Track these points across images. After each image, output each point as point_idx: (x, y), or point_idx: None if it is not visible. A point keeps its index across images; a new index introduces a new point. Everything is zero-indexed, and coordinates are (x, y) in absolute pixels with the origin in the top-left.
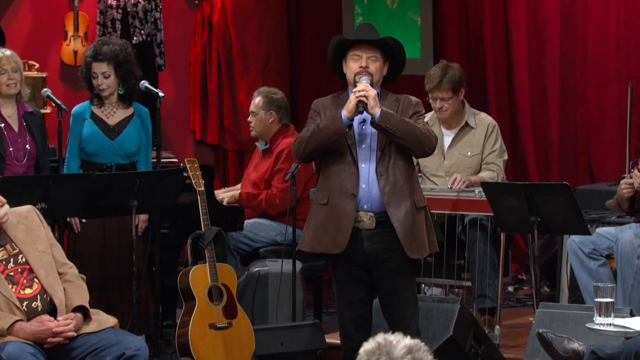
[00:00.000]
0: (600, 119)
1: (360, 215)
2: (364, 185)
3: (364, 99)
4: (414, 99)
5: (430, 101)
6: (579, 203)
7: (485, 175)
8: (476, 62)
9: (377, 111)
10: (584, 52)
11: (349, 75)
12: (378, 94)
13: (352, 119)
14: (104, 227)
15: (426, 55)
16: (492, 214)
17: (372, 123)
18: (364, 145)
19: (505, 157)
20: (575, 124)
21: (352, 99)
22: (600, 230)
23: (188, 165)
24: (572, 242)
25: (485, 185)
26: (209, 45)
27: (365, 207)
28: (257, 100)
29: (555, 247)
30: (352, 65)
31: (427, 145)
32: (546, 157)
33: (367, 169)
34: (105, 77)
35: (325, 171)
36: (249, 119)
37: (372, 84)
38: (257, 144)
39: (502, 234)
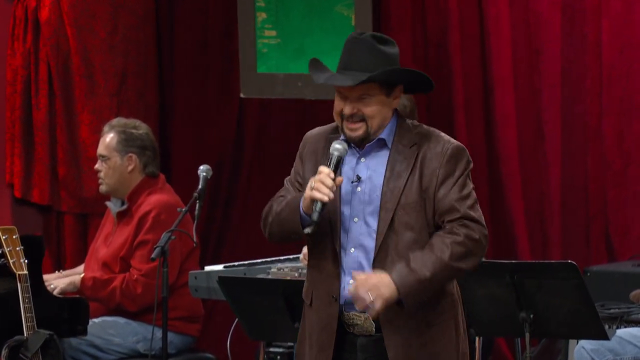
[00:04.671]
0: (623, 165)
1: (352, 317)
2: (351, 282)
3: (318, 196)
4: (452, 145)
5: None
6: (591, 292)
7: None
8: (438, 82)
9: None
10: (597, 66)
11: (335, 116)
12: (381, 140)
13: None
14: None
15: None
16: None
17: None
18: (356, 219)
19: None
20: (585, 172)
21: (307, 194)
22: (623, 332)
23: (3, 237)
24: (582, 350)
25: None
26: (35, 55)
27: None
28: (109, 137)
29: (558, 358)
30: (336, 105)
31: (475, 264)
32: (542, 223)
33: (358, 256)
34: None
35: (310, 254)
36: (96, 166)
37: (368, 134)
38: (108, 203)
39: (477, 338)
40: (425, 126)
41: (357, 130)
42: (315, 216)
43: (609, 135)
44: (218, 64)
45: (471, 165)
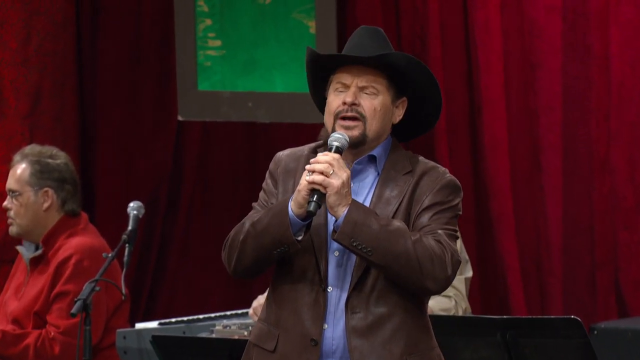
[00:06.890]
0: (635, 202)
1: None
2: (326, 326)
3: (319, 187)
4: (447, 177)
5: None
6: (598, 353)
7: (435, 304)
8: None
9: (341, 212)
10: (604, 83)
11: (327, 119)
12: (372, 158)
13: (307, 217)
14: None
15: None
16: None
17: (333, 232)
18: (336, 253)
19: (470, 273)
20: (591, 211)
21: (302, 185)
22: None
23: None
24: None
25: (435, 321)
26: None
27: None
28: (21, 169)
29: None
30: (332, 102)
31: (430, 277)
32: (540, 271)
33: (337, 296)
34: None
35: (277, 288)
36: (5, 203)
37: (364, 138)
38: (20, 248)
39: None
40: (421, 156)
41: (353, 129)
42: (313, 207)
43: (619, 165)
44: (151, 81)
45: (460, 212)
